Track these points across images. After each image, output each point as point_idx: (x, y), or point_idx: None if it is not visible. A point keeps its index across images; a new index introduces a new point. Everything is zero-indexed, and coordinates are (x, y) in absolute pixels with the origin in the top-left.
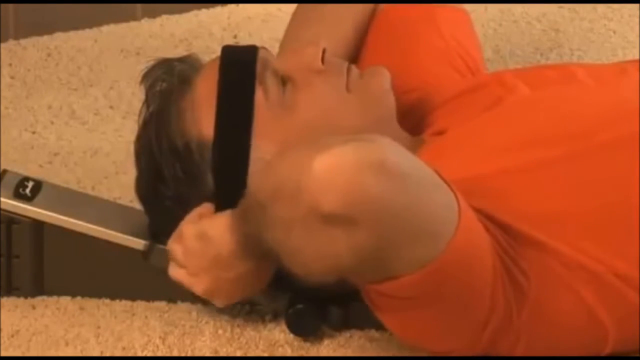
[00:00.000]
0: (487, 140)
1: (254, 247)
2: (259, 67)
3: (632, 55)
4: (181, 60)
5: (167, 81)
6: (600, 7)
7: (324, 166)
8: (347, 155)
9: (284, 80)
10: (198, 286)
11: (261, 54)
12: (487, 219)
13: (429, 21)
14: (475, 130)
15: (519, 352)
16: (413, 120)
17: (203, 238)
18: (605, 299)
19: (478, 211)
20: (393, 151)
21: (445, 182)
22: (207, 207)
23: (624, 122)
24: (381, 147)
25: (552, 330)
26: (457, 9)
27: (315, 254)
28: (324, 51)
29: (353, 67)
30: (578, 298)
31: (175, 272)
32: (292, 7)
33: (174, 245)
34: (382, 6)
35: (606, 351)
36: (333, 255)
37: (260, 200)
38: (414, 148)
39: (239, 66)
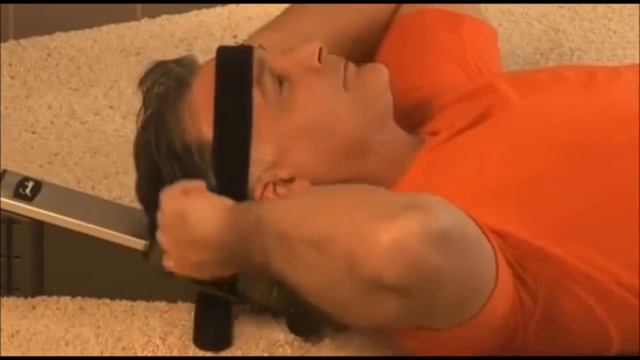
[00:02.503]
0: (485, 152)
1: (235, 258)
2: (255, 67)
3: (632, 55)
4: (177, 62)
5: (164, 83)
6: (600, 7)
7: (389, 238)
8: (412, 228)
9: (281, 80)
10: (167, 257)
11: (258, 53)
12: (490, 230)
13: (455, 27)
14: (475, 140)
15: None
16: (412, 119)
17: (182, 218)
18: (609, 306)
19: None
20: (448, 216)
21: (484, 232)
22: (197, 184)
23: (620, 129)
24: (438, 214)
25: (557, 339)
26: (486, 23)
27: (359, 311)
28: (320, 49)
29: (350, 64)
30: (583, 306)
31: (159, 238)
32: None
33: (158, 213)
34: (414, 7)
35: (610, 353)
36: (379, 315)
37: (288, 237)
38: (414, 147)
39: (235, 67)
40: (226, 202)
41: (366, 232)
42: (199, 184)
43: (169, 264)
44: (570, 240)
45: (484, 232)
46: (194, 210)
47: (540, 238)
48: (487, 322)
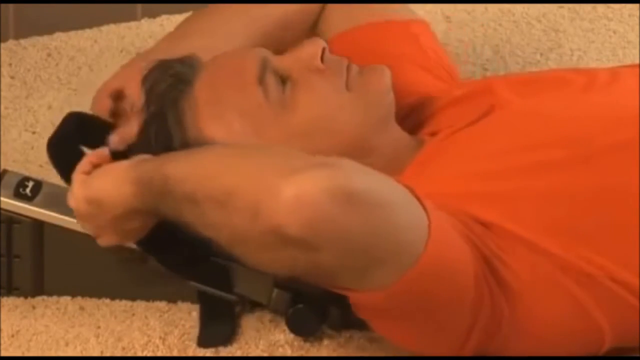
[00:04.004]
0: (483, 145)
1: (154, 214)
2: (258, 66)
3: (632, 55)
4: (180, 61)
5: (167, 82)
6: (600, 7)
7: (293, 191)
8: (318, 183)
9: (283, 79)
10: (99, 239)
11: (261, 52)
12: (474, 220)
13: (410, 37)
14: (471, 137)
15: (510, 350)
16: (412, 121)
17: (95, 203)
18: (599, 300)
19: (464, 213)
20: (361, 178)
21: (417, 197)
22: (100, 153)
23: (620, 128)
24: (349, 174)
25: (545, 328)
26: (422, 22)
27: (270, 262)
28: (323, 50)
29: (353, 65)
30: (571, 297)
31: (84, 227)
32: None
33: (71, 203)
34: (360, 24)
35: (604, 349)
36: (292, 268)
37: (195, 197)
38: (414, 147)
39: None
40: (129, 170)
41: (270, 185)
42: (101, 154)
43: (103, 242)
44: (560, 235)
45: (419, 201)
46: (103, 190)
47: (528, 230)
48: (419, 286)
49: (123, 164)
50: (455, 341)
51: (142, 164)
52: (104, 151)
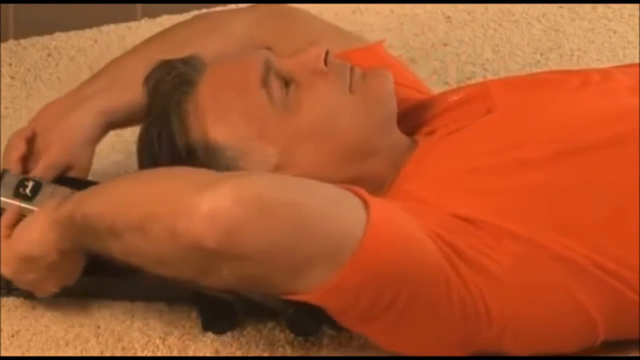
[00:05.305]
0: (471, 146)
1: (84, 251)
2: (262, 68)
3: (632, 55)
4: (184, 61)
5: (170, 83)
6: (600, 7)
7: (206, 206)
8: (227, 195)
9: (287, 82)
10: (43, 291)
11: (264, 55)
12: (455, 217)
13: (380, 60)
14: (462, 138)
15: (505, 345)
16: (408, 126)
17: (25, 259)
18: (589, 289)
19: (446, 213)
20: (271, 185)
21: (351, 190)
22: (10, 212)
23: (609, 125)
24: (258, 183)
25: (535, 315)
26: (379, 43)
27: (200, 278)
28: (327, 53)
29: (356, 68)
30: (561, 286)
31: (19, 286)
32: None
33: (3, 270)
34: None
35: (598, 341)
36: (220, 281)
37: (114, 229)
38: (411, 147)
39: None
40: (49, 216)
41: (183, 204)
42: (11, 212)
43: (44, 294)
44: (544, 227)
45: (354, 193)
46: (29, 243)
47: (511, 222)
48: (364, 280)
49: (41, 213)
50: (443, 335)
51: (59, 207)
52: (11, 208)
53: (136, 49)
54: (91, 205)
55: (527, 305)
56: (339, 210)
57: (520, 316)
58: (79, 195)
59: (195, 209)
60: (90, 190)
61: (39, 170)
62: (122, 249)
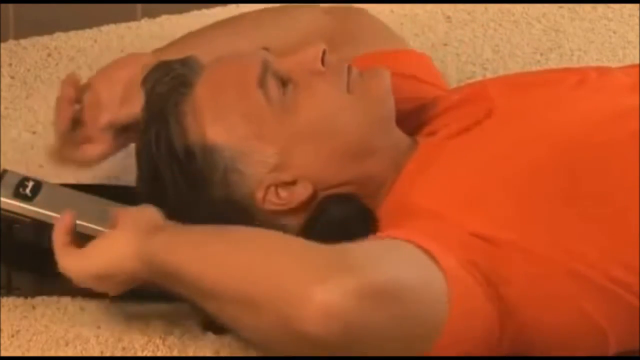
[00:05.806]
0: (470, 157)
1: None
2: (259, 68)
3: (632, 55)
4: (181, 62)
5: (167, 84)
6: (600, 7)
7: (320, 302)
8: (342, 288)
9: (284, 82)
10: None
11: (262, 55)
12: (475, 236)
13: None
14: (461, 147)
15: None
16: (409, 125)
17: (101, 278)
18: (600, 303)
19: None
20: (378, 269)
21: (435, 259)
22: (65, 223)
23: (608, 125)
24: (367, 269)
25: (547, 335)
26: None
27: (297, 353)
28: (324, 52)
29: (353, 68)
30: (572, 303)
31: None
32: None
33: (75, 280)
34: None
35: (611, 351)
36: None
37: (213, 294)
38: (411, 147)
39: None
40: (136, 246)
41: (296, 294)
42: (66, 224)
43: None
44: (559, 239)
45: (436, 263)
46: (107, 265)
47: (531, 239)
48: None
49: (127, 238)
50: None
51: (146, 239)
52: (67, 221)
53: (204, 31)
54: (183, 258)
55: (536, 319)
56: (432, 289)
57: (529, 329)
58: (167, 236)
59: (310, 303)
60: (177, 236)
61: (122, 116)
62: (220, 313)
